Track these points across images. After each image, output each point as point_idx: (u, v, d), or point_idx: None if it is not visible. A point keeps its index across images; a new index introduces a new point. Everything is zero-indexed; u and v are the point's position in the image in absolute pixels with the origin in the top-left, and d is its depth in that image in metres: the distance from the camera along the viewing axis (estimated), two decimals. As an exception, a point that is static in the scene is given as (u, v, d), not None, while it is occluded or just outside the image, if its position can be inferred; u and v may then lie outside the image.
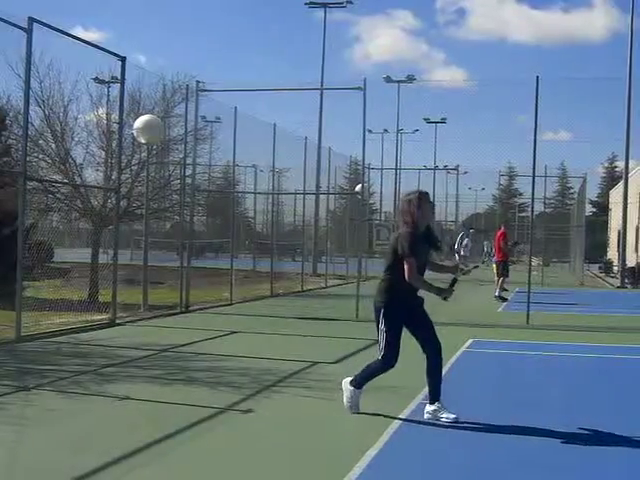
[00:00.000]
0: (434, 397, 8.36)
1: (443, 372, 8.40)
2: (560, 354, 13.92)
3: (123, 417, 8.49)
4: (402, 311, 8.27)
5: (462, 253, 43.28)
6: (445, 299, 8.33)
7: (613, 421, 8.65)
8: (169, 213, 24.76)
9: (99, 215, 19.86)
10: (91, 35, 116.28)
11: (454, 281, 8.47)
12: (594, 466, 7.04)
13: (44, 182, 18.75)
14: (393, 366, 8.31)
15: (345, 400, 8.57)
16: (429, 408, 8.37)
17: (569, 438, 7.77)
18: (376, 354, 8.43)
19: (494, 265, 26.53)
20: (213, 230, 42.40)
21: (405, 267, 8.12)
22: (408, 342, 8.30)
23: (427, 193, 8.60)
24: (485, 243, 48.46)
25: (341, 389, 8.71)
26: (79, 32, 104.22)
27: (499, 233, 26.25)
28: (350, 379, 8.61)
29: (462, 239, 36.98)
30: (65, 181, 19.58)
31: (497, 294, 25.12)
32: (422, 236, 8.31)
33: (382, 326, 8.25)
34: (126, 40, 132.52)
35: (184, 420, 8.10)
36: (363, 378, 8.54)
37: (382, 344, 8.27)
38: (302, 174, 31.73)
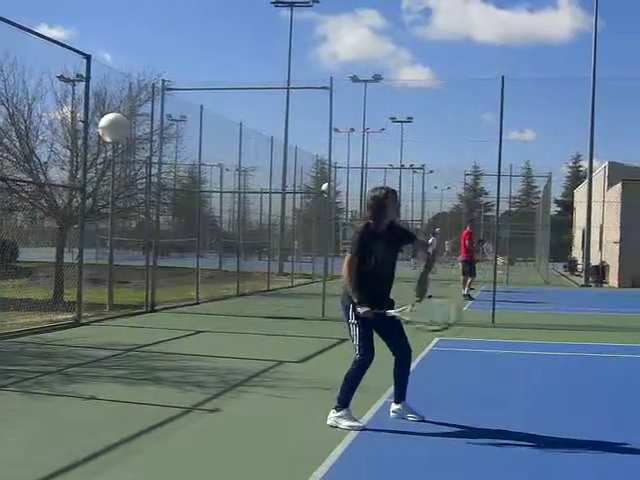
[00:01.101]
0: (400, 396, 8.36)
1: (410, 370, 8.40)
2: (525, 352, 14.00)
3: (89, 417, 8.45)
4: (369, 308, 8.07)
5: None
6: (357, 315, 7.99)
7: (576, 419, 8.74)
8: (135, 212, 24.66)
9: (64, 214, 19.74)
10: (56, 33, 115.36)
11: (391, 305, 8.21)
12: (557, 464, 7.09)
13: (8, 181, 18.61)
14: (372, 359, 8.02)
15: (345, 427, 7.90)
16: (395, 407, 8.37)
17: (532, 437, 7.82)
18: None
19: (460, 264, 26.68)
20: (179, 229, 42.28)
21: (345, 261, 8.13)
22: (375, 339, 8.28)
23: (395, 192, 8.49)
24: (446, 242, 48.72)
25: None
26: (44, 30, 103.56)
27: (465, 232, 26.38)
28: (333, 409, 8.08)
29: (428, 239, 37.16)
30: (30, 180, 19.44)
31: (465, 292, 25.24)
32: (383, 234, 8.16)
33: (352, 319, 8.04)
34: (92, 38, 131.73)
35: (151, 420, 8.07)
36: (346, 394, 8.08)
37: (355, 338, 8.04)
38: (268, 173, 31.73)
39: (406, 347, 8.28)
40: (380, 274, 8.17)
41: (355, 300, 7.99)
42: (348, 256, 8.10)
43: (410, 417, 8.23)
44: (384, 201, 8.21)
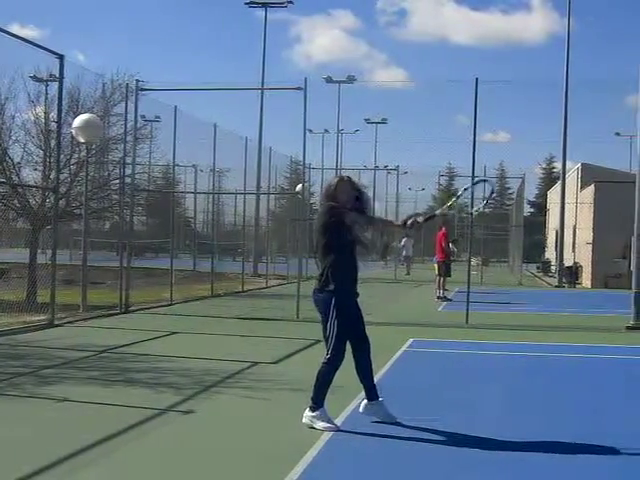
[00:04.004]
0: (372, 395, 8.30)
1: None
2: (499, 353, 14.07)
3: (62, 419, 8.41)
4: (350, 300, 8.07)
5: (404, 254, 43.51)
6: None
7: (548, 420, 8.78)
8: (108, 213, 24.58)
9: (37, 215, 19.63)
10: (29, 32, 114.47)
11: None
12: (527, 465, 7.12)
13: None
14: (343, 359, 7.98)
15: (321, 428, 7.86)
16: (366, 403, 8.28)
17: (504, 438, 7.85)
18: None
19: (435, 265, 26.64)
20: (153, 230, 42.13)
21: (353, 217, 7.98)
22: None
23: (349, 179, 8.26)
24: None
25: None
26: (16, 29, 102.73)
27: (440, 234, 26.29)
28: (307, 409, 8.04)
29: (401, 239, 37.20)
30: (2, 180, 19.32)
31: (441, 294, 25.23)
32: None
33: (334, 316, 7.89)
34: (65, 38, 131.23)
35: (124, 421, 8.03)
36: (320, 393, 8.01)
37: (332, 338, 7.91)
38: (243, 174, 31.71)
39: (367, 339, 8.22)
40: (353, 260, 8.16)
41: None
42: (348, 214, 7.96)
43: (381, 417, 8.19)
44: (334, 192, 8.07)
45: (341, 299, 7.98)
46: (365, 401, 8.37)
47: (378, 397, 8.30)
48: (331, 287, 7.97)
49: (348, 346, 8.07)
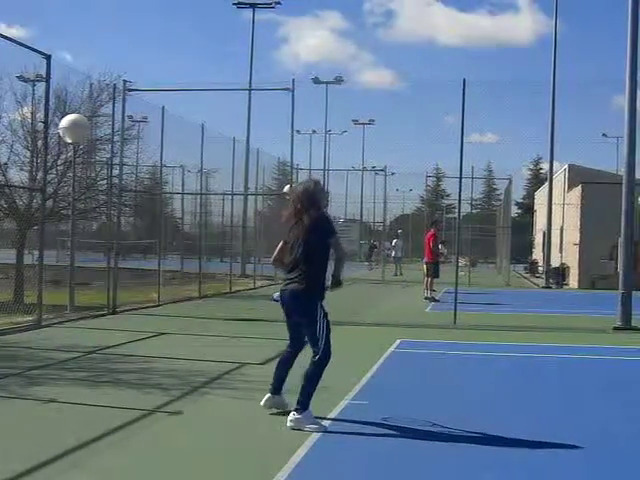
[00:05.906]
0: (281, 389, 8.48)
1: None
2: (486, 353, 14.08)
3: (49, 420, 8.38)
4: None
5: (394, 254, 43.52)
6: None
7: (533, 419, 8.80)
8: (96, 213, 24.52)
9: (24, 215, 19.57)
10: (15, 32, 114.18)
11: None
12: (512, 463, 7.14)
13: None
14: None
15: (308, 429, 7.83)
16: (272, 397, 8.52)
17: (489, 437, 7.88)
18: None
19: (424, 266, 26.57)
20: (141, 231, 42.05)
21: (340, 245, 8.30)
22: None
23: (320, 181, 8.65)
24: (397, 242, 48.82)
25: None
26: (2, 29, 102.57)
27: (429, 234, 26.24)
28: (293, 412, 8.00)
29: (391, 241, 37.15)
30: (-11, 181, 19.29)
31: (428, 295, 25.18)
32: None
33: (322, 316, 8.10)
34: (52, 38, 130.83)
35: (112, 422, 8.02)
36: (309, 395, 8.03)
37: (323, 337, 8.05)
38: (230, 175, 31.67)
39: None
40: None
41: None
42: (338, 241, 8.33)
43: (281, 409, 8.37)
44: (316, 196, 8.30)
45: (322, 300, 8.21)
46: (269, 394, 8.56)
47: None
48: (318, 289, 8.20)
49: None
